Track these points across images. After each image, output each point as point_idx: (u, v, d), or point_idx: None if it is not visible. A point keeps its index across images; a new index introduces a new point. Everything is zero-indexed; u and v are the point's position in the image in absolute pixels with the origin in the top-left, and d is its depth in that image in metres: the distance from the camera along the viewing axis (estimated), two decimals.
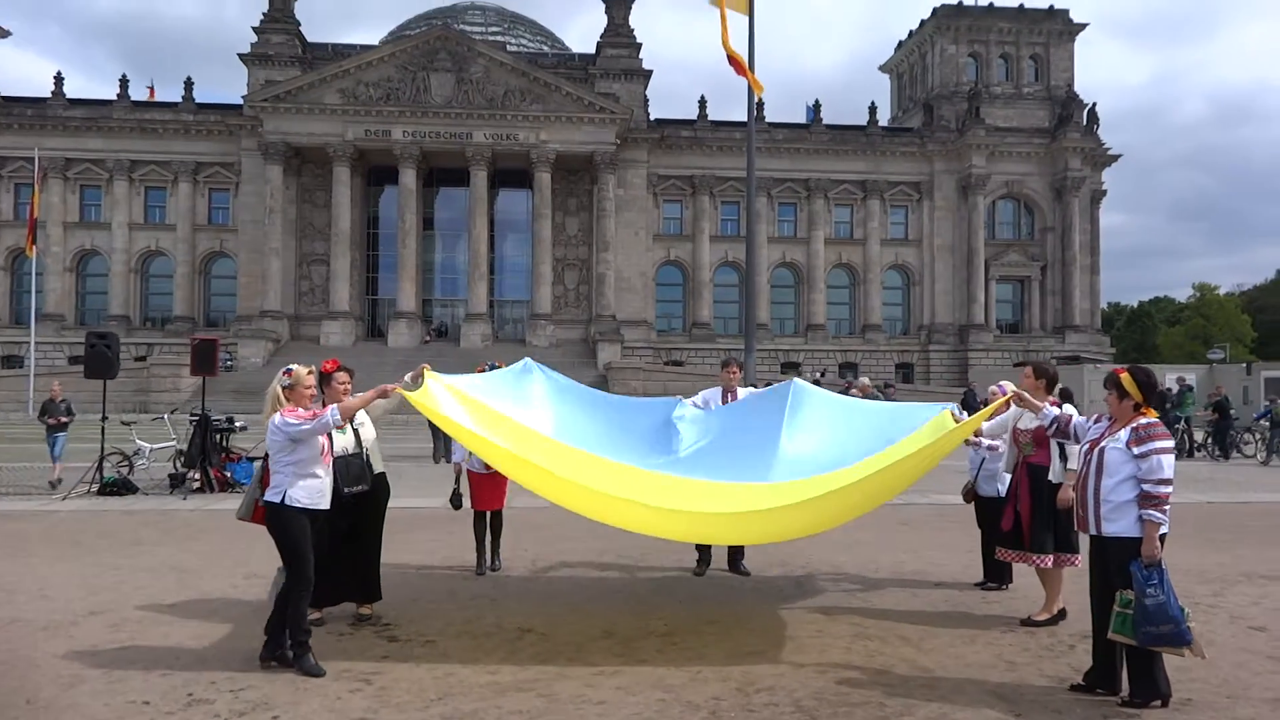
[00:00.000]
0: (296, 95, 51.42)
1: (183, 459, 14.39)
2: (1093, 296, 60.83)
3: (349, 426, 6.38)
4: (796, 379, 7.80)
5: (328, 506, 5.90)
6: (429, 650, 6.08)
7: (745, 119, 59.63)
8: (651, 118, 58.62)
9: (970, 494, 7.99)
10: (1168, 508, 4.90)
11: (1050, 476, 6.71)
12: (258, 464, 6.79)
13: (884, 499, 7.10)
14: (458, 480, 8.44)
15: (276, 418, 5.74)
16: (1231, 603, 7.44)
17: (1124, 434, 5.02)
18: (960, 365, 57.26)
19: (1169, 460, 4.91)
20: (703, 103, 59.01)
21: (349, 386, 6.38)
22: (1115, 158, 60.89)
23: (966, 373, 55.84)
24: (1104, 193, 61.36)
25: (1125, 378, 5.08)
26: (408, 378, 6.25)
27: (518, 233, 58.05)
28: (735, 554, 8.53)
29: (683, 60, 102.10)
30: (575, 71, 57.20)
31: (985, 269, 58.78)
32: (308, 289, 54.86)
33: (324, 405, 6.19)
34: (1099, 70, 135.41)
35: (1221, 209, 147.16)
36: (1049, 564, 6.73)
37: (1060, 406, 6.79)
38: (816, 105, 60.03)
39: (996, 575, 7.89)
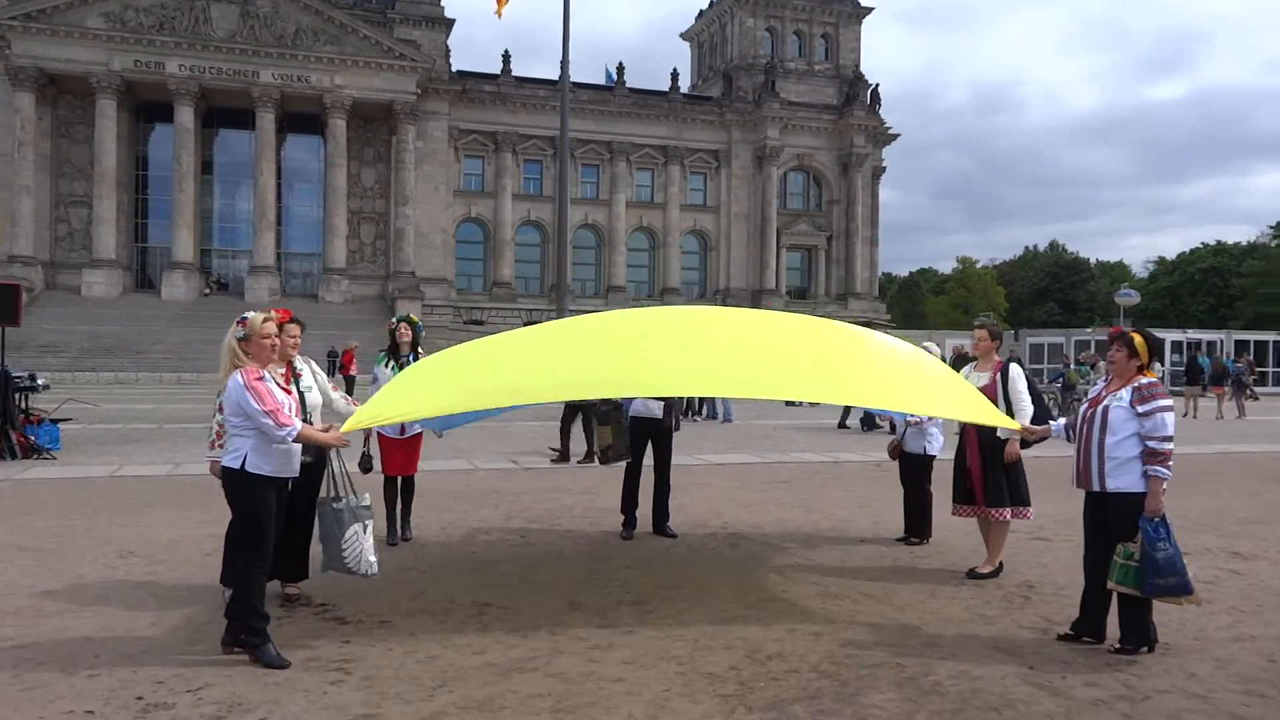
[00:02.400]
0: (52, 15, 45.93)
1: None
2: (872, 266, 64.76)
3: (295, 388, 5.58)
4: None
5: (297, 473, 5.16)
6: (390, 631, 5.47)
7: (548, 77, 58.48)
8: (453, 69, 56.73)
9: (896, 451, 8.13)
10: (1171, 463, 5.10)
11: (999, 433, 6.88)
12: (216, 419, 5.82)
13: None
14: (367, 442, 7.70)
15: (239, 377, 4.92)
16: None
17: (1126, 393, 5.15)
18: None
19: (1171, 418, 5.09)
20: (506, 57, 57.78)
21: (299, 341, 5.60)
22: (895, 136, 64.78)
23: None
24: (884, 169, 65.26)
25: (1138, 339, 5.21)
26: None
27: (308, 182, 54.83)
28: (660, 517, 8.30)
29: (482, 11, 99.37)
30: (373, 15, 54.36)
31: (777, 237, 61.26)
32: (66, 233, 49.46)
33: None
34: (881, 53, 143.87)
35: (978, 190, 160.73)
36: (1007, 516, 6.92)
37: (1009, 365, 7.01)
38: (620, 69, 60.14)
39: (918, 530, 8.08)
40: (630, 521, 8.21)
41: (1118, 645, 5.26)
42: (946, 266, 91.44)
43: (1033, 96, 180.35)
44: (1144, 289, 77.97)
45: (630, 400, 8.41)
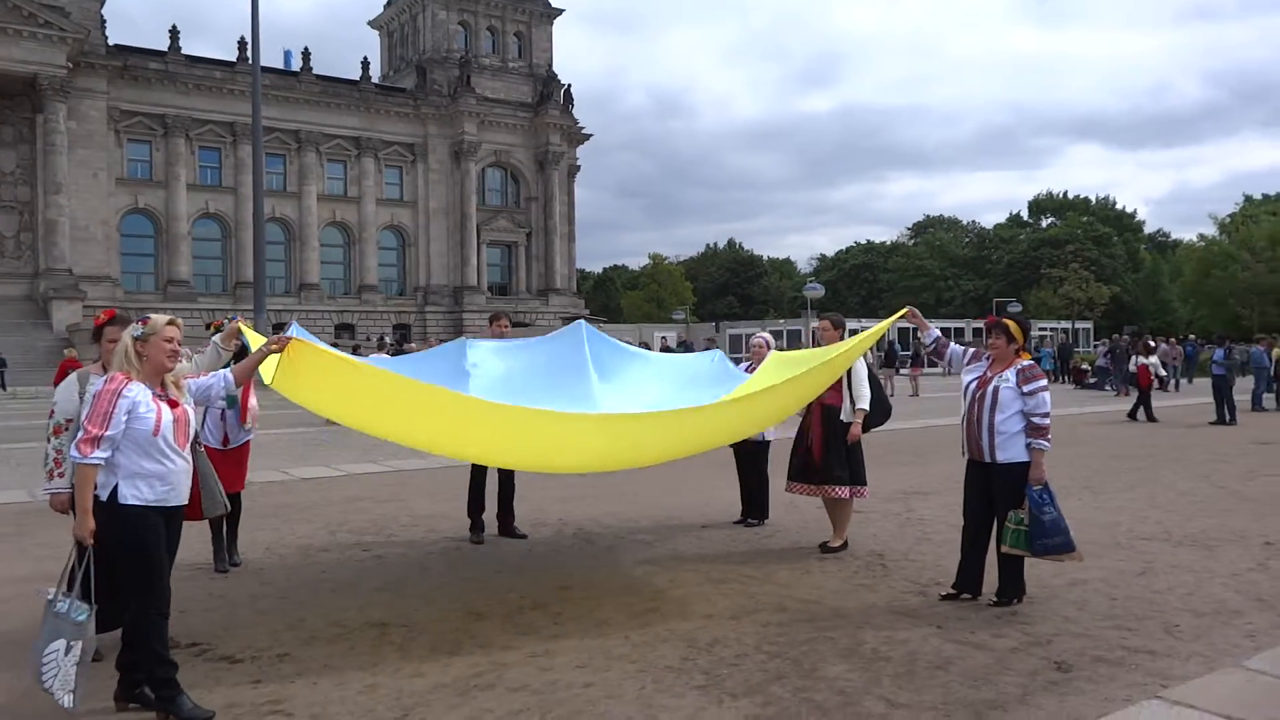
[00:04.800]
0: None
1: None
2: (570, 262, 66.17)
3: (184, 401, 4.73)
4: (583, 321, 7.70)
5: (185, 500, 4.43)
6: (297, 665, 4.89)
7: (220, 57, 54.03)
8: (109, 43, 50.88)
9: None
10: (1050, 436, 5.74)
11: (841, 416, 7.36)
12: (53, 443, 4.88)
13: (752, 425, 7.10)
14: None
15: (99, 381, 4.20)
16: (928, 514, 8.86)
17: (1011, 374, 5.73)
18: (456, 326, 58.63)
19: (1049, 396, 5.74)
20: (175, 34, 52.77)
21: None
22: (588, 136, 66.55)
23: (462, 333, 57.50)
24: (578, 168, 66.83)
25: (1013, 326, 5.80)
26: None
27: None
28: (506, 519, 8.04)
29: None
30: None
31: (477, 233, 60.88)
32: None
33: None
34: (569, 54, 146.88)
35: (656, 189, 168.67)
36: (845, 494, 7.38)
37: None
38: (305, 54, 56.87)
39: (757, 511, 8.45)
40: (479, 525, 7.88)
41: (995, 599, 5.86)
42: (634, 262, 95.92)
43: (703, 103, 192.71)
44: (809, 282, 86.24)
45: None
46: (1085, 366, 35.44)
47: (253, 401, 6.96)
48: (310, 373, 5.08)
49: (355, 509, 9.45)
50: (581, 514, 9.04)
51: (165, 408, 4.32)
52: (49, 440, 4.97)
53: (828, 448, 7.34)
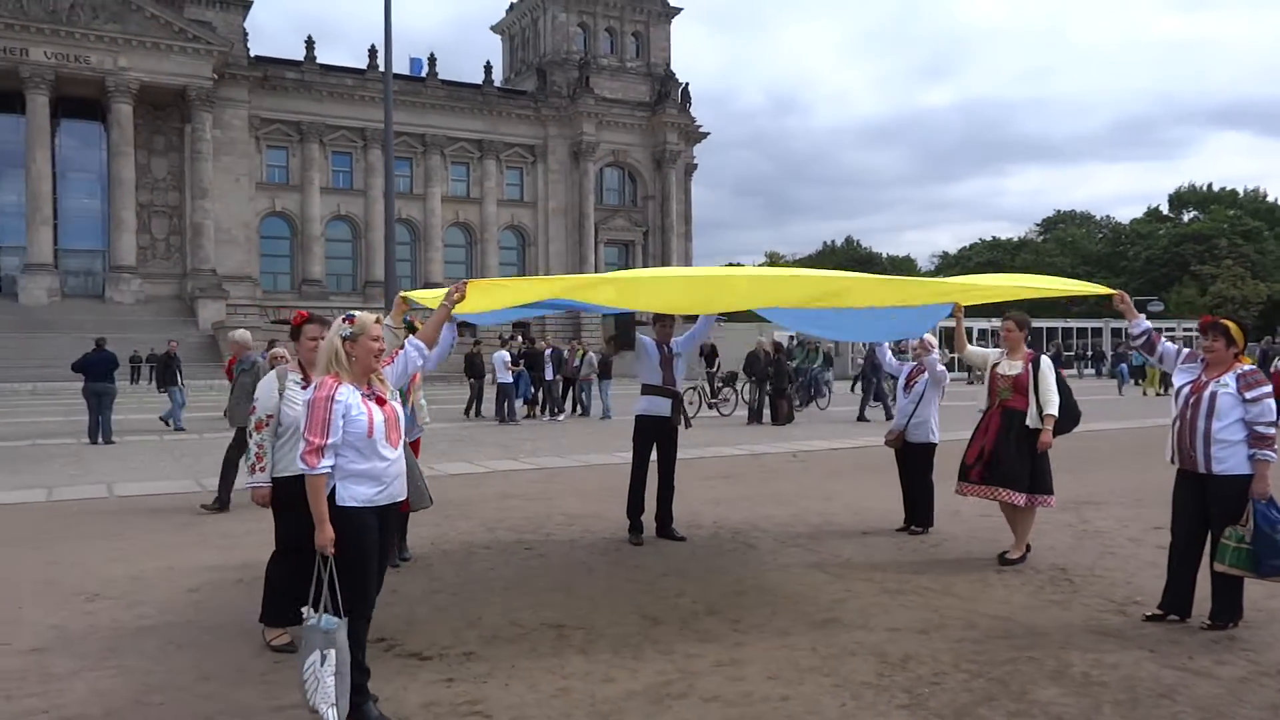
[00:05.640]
0: None
1: None
2: (687, 260, 66.01)
3: (394, 400, 4.74)
4: None
5: (404, 494, 4.42)
6: (485, 665, 4.87)
7: (353, 65, 55.70)
8: (251, 54, 53.28)
9: (898, 440, 8.14)
10: (1278, 446, 5.29)
11: (1028, 422, 6.95)
12: (256, 438, 5.03)
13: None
14: None
15: (312, 388, 4.16)
16: (1105, 526, 8.37)
17: (1231, 379, 5.28)
18: (575, 324, 59.21)
19: (1274, 403, 5.28)
20: (310, 44, 54.98)
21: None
22: (705, 135, 66.37)
23: (581, 332, 58.06)
24: (696, 166, 66.71)
25: (1233, 327, 5.35)
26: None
27: (88, 172, 50.01)
28: (665, 520, 7.94)
29: None
30: None
31: (595, 232, 61.48)
32: None
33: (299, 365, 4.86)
34: (687, 53, 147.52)
35: (772, 188, 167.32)
36: (1020, 501, 6.97)
37: (1039, 358, 7.09)
38: (431, 60, 58.45)
39: (921, 519, 8.12)
40: (638, 526, 7.80)
41: (1209, 622, 5.41)
42: (750, 260, 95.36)
43: (820, 100, 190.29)
44: None
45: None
46: None
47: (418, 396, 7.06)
48: (487, 293, 5.44)
49: (508, 506, 9.51)
50: (736, 517, 8.87)
51: (375, 408, 4.27)
52: (251, 435, 5.08)
53: (1001, 449, 6.96)
